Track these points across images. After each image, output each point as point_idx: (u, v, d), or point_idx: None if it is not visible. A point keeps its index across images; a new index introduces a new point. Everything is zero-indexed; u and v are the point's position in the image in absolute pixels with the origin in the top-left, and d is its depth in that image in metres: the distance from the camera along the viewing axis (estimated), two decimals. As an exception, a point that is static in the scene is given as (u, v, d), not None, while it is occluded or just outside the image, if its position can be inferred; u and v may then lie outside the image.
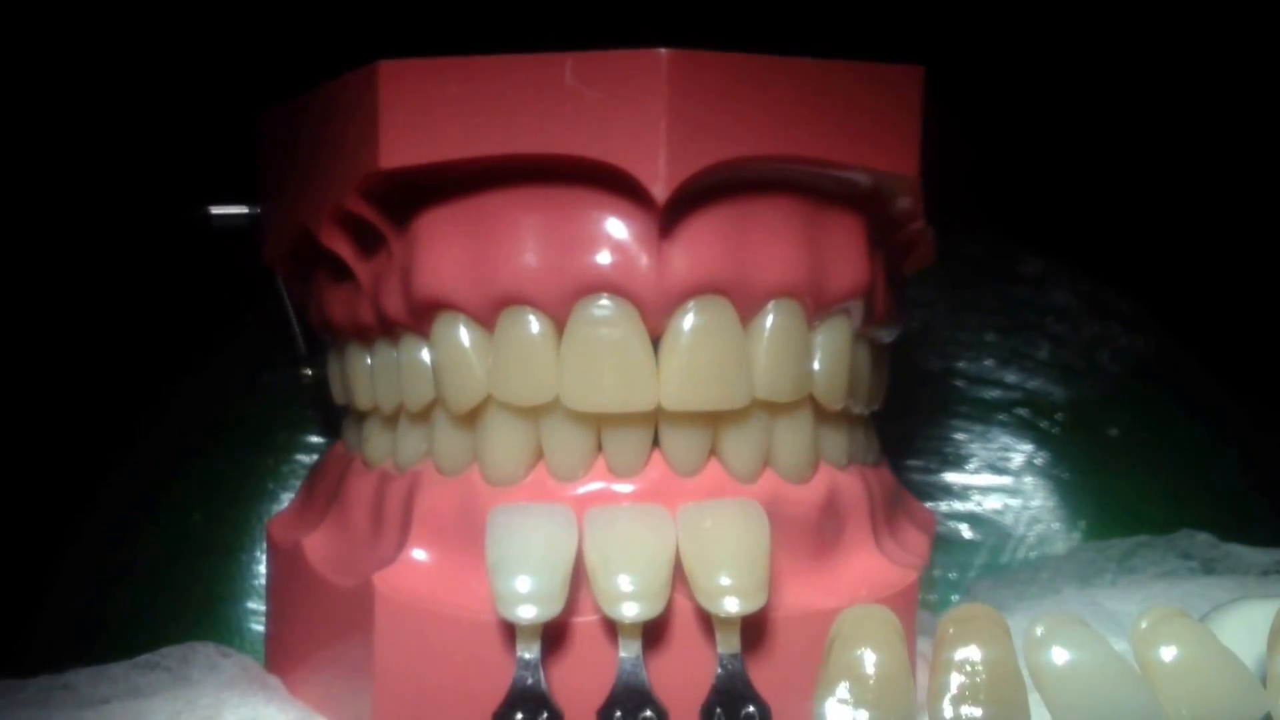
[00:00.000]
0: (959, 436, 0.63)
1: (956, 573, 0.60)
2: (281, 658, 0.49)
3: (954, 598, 0.59)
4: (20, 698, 0.45)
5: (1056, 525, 0.61)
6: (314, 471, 0.52)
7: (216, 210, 0.52)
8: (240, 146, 0.51)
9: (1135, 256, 0.62)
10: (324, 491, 0.49)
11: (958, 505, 0.62)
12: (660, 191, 0.40)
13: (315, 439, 0.60)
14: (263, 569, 0.57)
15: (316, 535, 0.47)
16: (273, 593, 0.51)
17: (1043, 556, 0.60)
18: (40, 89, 0.57)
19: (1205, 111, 0.61)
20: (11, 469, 0.57)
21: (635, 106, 0.39)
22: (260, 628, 0.57)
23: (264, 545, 0.56)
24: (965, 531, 0.62)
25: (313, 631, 0.46)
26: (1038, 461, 0.62)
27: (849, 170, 0.43)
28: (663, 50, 0.39)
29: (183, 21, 0.57)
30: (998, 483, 0.62)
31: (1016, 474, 0.62)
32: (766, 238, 0.42)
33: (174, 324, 0.59)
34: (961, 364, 0.63)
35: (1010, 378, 0.63)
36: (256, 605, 0.58)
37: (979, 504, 0.62)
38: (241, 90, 0.54)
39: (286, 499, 0.58)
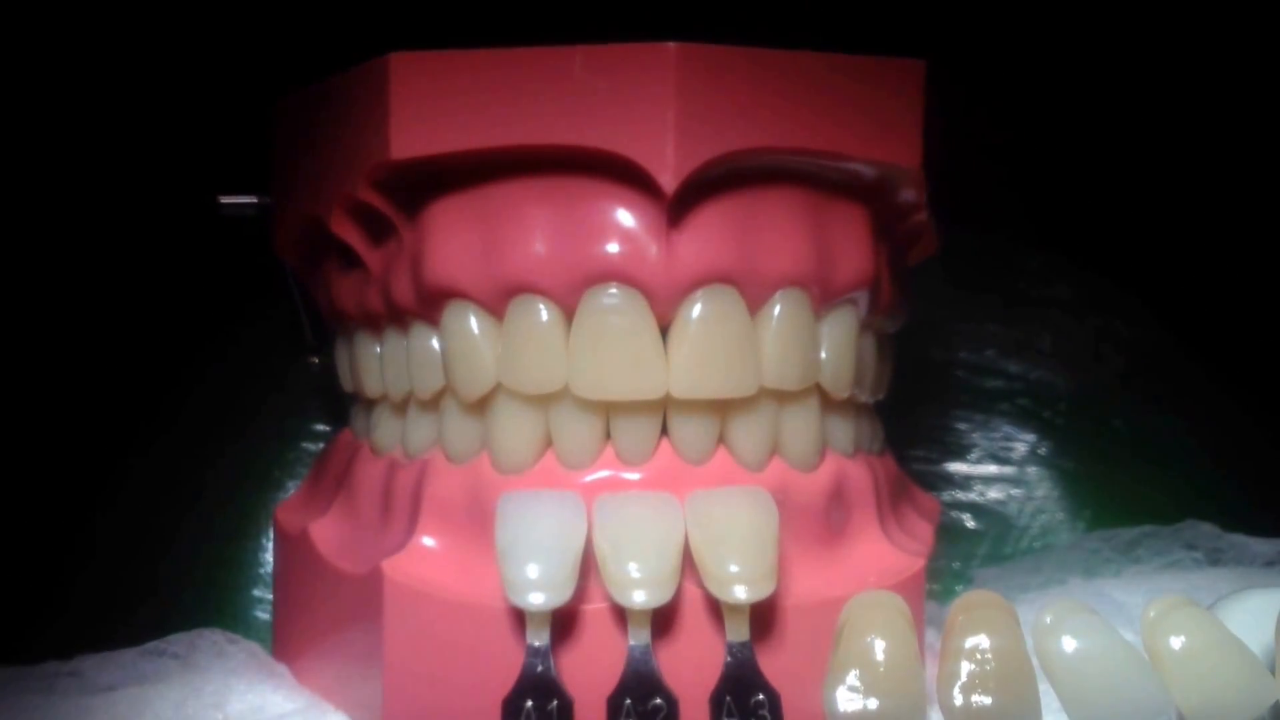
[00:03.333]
0: (962, 426, 0.63)
1: (960, 563, 0.61)
2: (288, 645, 0.49)
3: (958, 588, 0.59)
4: (27, 684, 0.45)
5: (1060, 516, 0.62)
6: (321, 458, 0.52)
7: (226, 200, 0.52)
8: (251, 136, 0.51)
9: (1137, 248, 0.62)
10: (331, 478, 0.49)
11: (961, 495, 0.62)
12: (669, 182, 0.40)
13: (322, 427, 0.60)
14: (269, 556, 0.57)
15: (324, 522, 0.47)
16: (279, 579, 0.51)
17: (1047, 547, 0.60)
18: (52, 80, 0.57)
19: (1207, 105, 0.61)
20: (17, 459, 0.57)
21: (644, 99, 0.40)
22: (266, 615, 0.57)
23: (271, 532, 0.56)
24: (969, 522, 0.62)
25: (320, 618, 0.46)
26: (1041, 452, 0.62)
27: (853, 162, 0.43)
28: (671, 44, 0.40)
29: (195, 10, 0.57)
30: (1001, 473, 0.62)
31: (1020, 464, 0.62)
32: (773, 228, 0.42)
33: (182, 312, 0.59)
34: (964, 354, 0.63)
35: (1013, 368, 0.63)
36: (263, 593, 0.58)
37: (982, 494, 0.62)
38: (252, 80, 0.54)
39: (293, 487, 0.58)
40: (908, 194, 0.46)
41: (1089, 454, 0.62)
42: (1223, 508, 0.55)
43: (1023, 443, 0.62)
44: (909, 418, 0.60)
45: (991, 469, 0.62)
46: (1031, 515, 0.62)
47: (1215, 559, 0.52)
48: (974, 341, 0.63)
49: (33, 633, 0.54)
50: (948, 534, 0.60)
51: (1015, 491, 0.62)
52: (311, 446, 0.59)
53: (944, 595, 0.58)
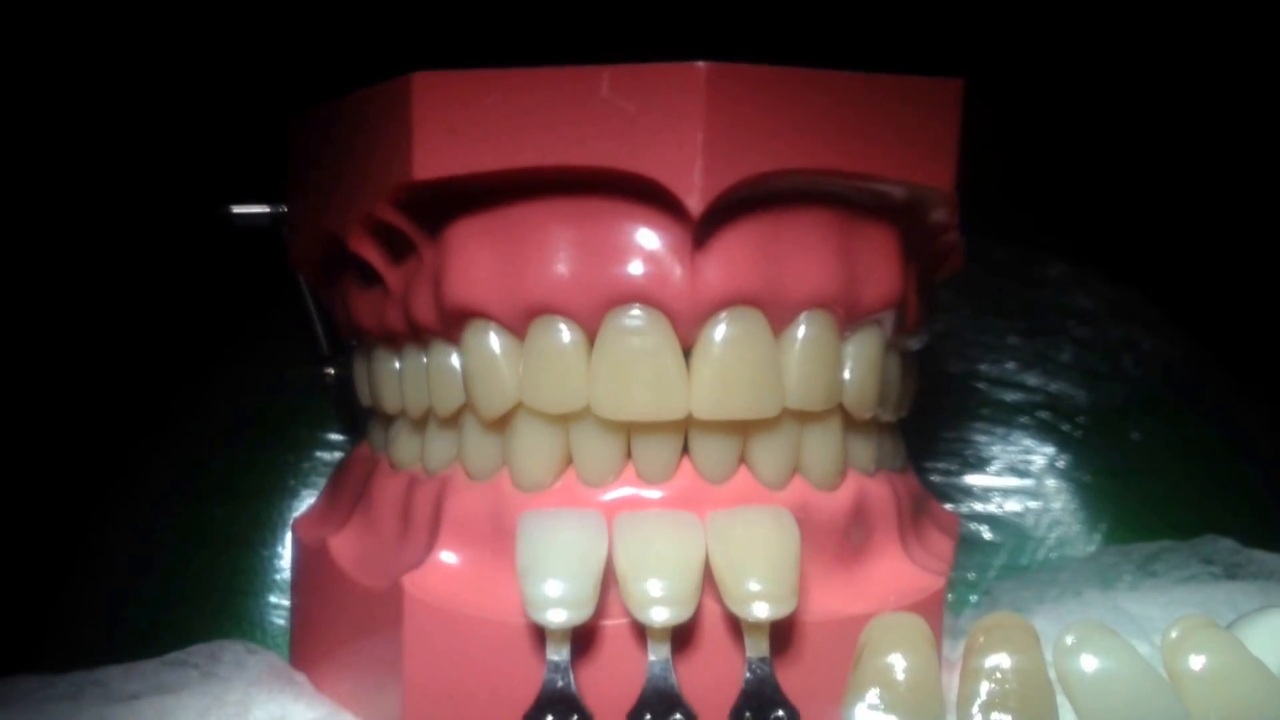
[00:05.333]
0: (980, 439, 0.63)
1: (977, 574, 0.60)
2: (307, 655, 0.49)
3: (973, 599, 0.59)
4: (53, 693, 0.45)
5: (1077, 528, 0.61)
6: (339, 471, 0.53)
7: (239, 210, 0.52)
8: (265, 147, 0.51)
9: (1158, 260, 0.62)
10: (349, 492, 0.50)
11: (979, 507, 0.62)
12: (695, 204, 0.40)
13: (337, 437, 0.60)
14: (284, 564, 0.57)
15: (343, 536, 0.47)
16: (298, 591, 0.51)
17: (1063, 559, 0.60)
18: (69, 89, 0.57)
19: (1229, 117, 0.61)
20: (35, 470, 0.57)
21: (671, 119, 0.39)
22: (282, 622, 0.57)
23: (286, 540, 0.56)
24: (986, 533, 0.62)
25: (339, 631, 0.47)
26: (1059, 464, 0.62)
27: (884, 183, 0.43)
28: (700, 63, 0.39)
29: (210, 22, 0.57)
30: (1019, 485, 0.62)
31: (1038, 476, 0.62)
32: (799, 250, 0.42)
33: (197, 321, 0.59)
34: (984, 366, 0.63)
35: (1032, 381, 0.63)
36: (279, 599, 0.58)
37: (1000, 506, 0.62)
38: (266, 91, 0.54)
39: (308, 495, 0.58)
40: (939, 214, 0.45)
41: (1107, 467, 0.62)
42: (1242, 522, 0.55)
43: (1041, 455, 0.62)
44: (928, 430, 0.60)
45: (1010, 481, 0.62)
46: (1049, 527, 0.61)
47: (1234, 574, 0.52)
48: (993, 354, 0.63)
49: (51, 641, 0.54)
50: (966, 545, 0.61)
51: (1033, 504, 0.62)
52: (327, 456, 0.59)
53: (958, 606, 0.58)
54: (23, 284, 0.57)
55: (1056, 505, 0.62)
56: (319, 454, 0.60)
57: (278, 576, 0.58)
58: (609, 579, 0.40)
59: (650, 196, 0.40)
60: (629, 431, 0.42)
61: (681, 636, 0.41)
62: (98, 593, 0.57)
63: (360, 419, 0.53)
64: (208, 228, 0.55)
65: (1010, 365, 0.63)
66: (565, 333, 0.42)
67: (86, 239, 0.58)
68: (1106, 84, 0.61)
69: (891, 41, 0.58)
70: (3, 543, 0.56)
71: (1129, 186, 0.62)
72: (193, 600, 0.58)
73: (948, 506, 0.58)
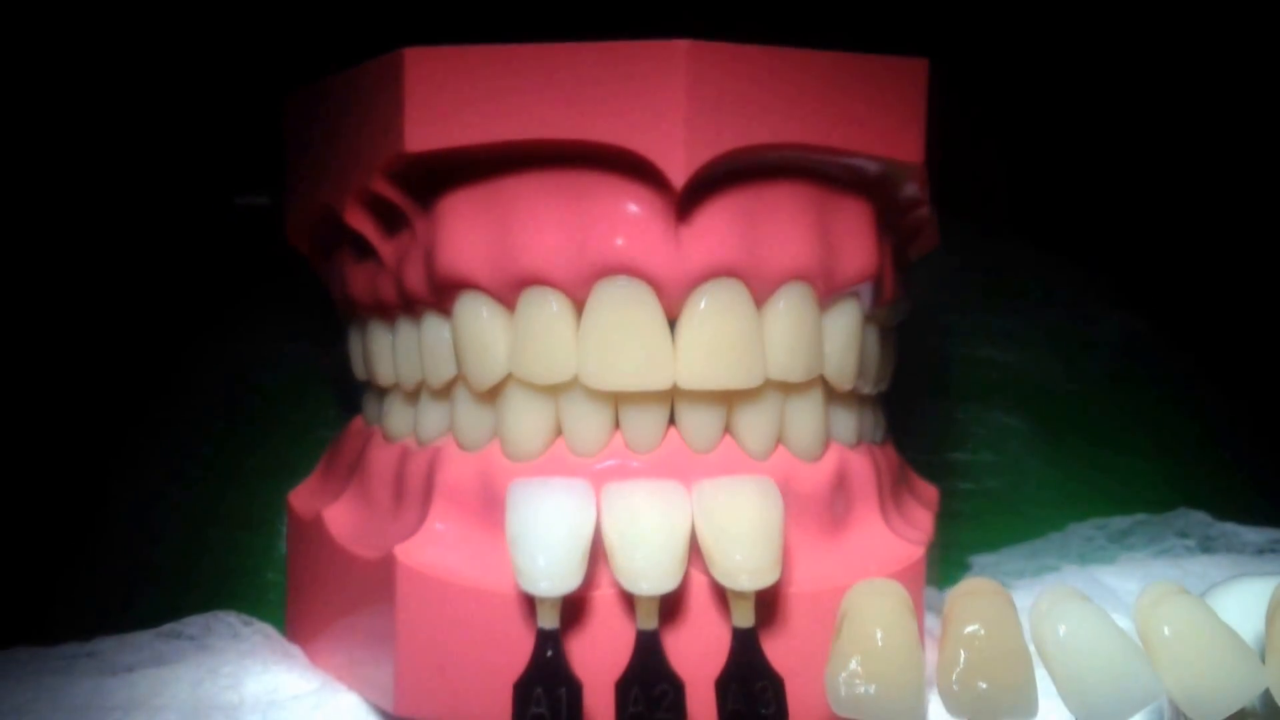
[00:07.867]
0: (960, 416, 0.63)
1: (958, 550, 0.61)
2: (302, 627, 0.50)
3: (957, 575, 0.60)
4: (47, 665, 0.46)
5: (1056, 503, 0.62)
6: (334, 444, 0.53)
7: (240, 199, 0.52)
8: (266, 128, 0.51)
9: (1129, 240, 0.63)
10: (344, 464, 0.50)
11: (960, 483, 0.62)
12: (678, 177, 0.40)
13: (335, 414, 0.60)
14: (284, 542, 0.58)
15: (337, 506, 0.48)
16: (293, 563, 0.52)
17: (1043, 534, 0.60)
18: (72, 75, 0.57)
19: (1201, 105, 0.61)
20: (41, 446, 0.58)
21: (655, 95, 0.40)
22: (281, 600, 0.58)
23: (285, 518, 0.57)
24: (967, 509, 0.62)
25: (333, 601, 0.47)
26: (1037, 441, 0.63)
27: (857, 158, 0.44)
28: (681, 41, 0.40)
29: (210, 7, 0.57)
30: (998, 462, 0.62)
31: (1016, 453, 0.63)
32: (779, 223, 0.43)
33: (197, 300, 0.59)
34: (962, 346, 0.64)
35: (1009, 359, 0.63)
36: (277, 577, 0.58)
37: (979, 482, 0.62)
38: (269, 73, 0.54)
39: (307, 472, 0.59)
40: (910, 189, 0.46)
41: (1084, 443, 0.63)
42: (1214, 496, 0.56)
43: (1019, 432, 0.63)
44: (909, 408, 0.61)
45: (989, 458, 0.63)
46: (1027, 503, 0.62)
47: (1207, 546, 0.52)
48: (971, 333, 0.64)
49: (52, 614, 0.54)
50: (946, 521, 0.61)
51: (1012, 480, 0.62)
52: (325, 433, 0.59)
53: (946, 582, 0.59)
54: (24, 266, 0.57)
55: (1035, 481, 0.62)
56: (320, 431, 0.60)
57: (277, 555, 0.59)
58: (598, 549, 0.41)
59: (635, 170, 0.41)
60: (617, 402, 0.43)
61: (669, 607, 0.41)
62: (96, 573, 0.57)
63: (357, 395, 0.53)
64: (208, 208, 0.55)
65: (987, 344, 0.63)
66: (554, 303, 0.42)
67: (94, 223, 0.58)
68: (1081, 72, 0.62)
69: (883, 28, 0.58)
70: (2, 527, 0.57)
71: (1099, 171, 0.63)
72: (192, 577, 0.58)
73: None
